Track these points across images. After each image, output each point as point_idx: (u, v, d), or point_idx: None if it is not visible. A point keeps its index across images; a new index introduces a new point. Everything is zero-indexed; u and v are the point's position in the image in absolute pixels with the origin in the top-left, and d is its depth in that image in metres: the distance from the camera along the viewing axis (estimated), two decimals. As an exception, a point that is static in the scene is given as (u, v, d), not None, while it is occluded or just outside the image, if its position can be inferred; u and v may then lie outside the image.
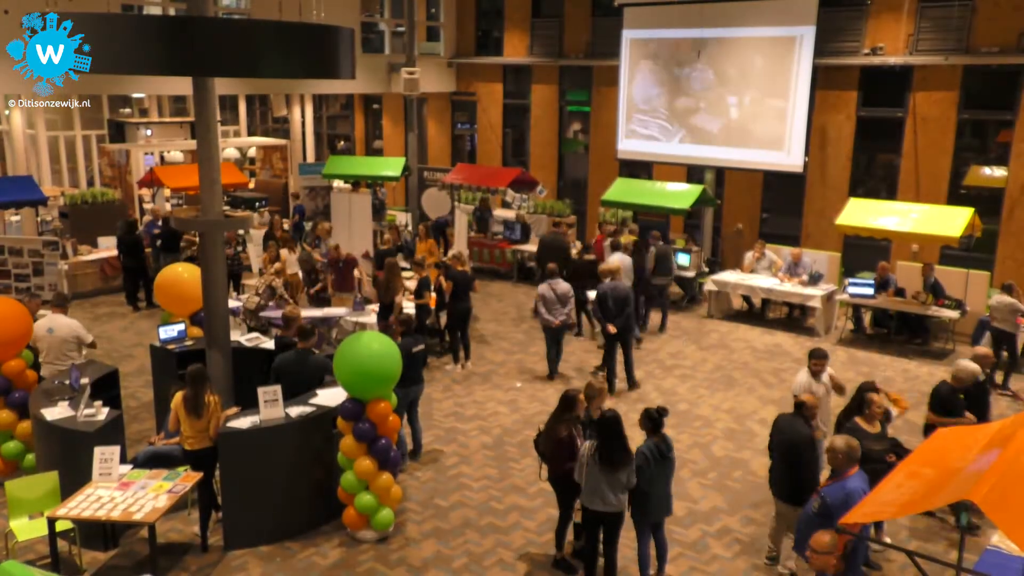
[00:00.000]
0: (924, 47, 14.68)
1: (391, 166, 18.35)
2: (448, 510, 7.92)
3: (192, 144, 16.56)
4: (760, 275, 14.09)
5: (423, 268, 11.96)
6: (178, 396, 7.17)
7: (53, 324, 8.86)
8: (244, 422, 7.21)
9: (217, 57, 6.67)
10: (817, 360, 7.69)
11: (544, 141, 20.52)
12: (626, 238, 13.76)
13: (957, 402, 7.59)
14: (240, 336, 9.57)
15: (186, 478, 6.97)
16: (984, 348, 8.15)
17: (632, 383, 10.93)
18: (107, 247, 15.01)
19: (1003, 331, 11.01)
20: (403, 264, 13.35)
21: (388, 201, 19.81)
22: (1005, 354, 11.11)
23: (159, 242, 14.28)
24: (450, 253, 12.87)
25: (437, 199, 17.71)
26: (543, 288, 11.08)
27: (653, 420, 6.58)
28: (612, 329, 10.60)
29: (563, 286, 11.06)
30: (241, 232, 15.16)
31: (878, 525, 7.22)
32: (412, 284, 11.77)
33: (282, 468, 7.30)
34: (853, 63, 15.43)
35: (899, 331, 13.05)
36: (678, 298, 15.06)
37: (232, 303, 10.74)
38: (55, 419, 7.26)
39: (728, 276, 14.23)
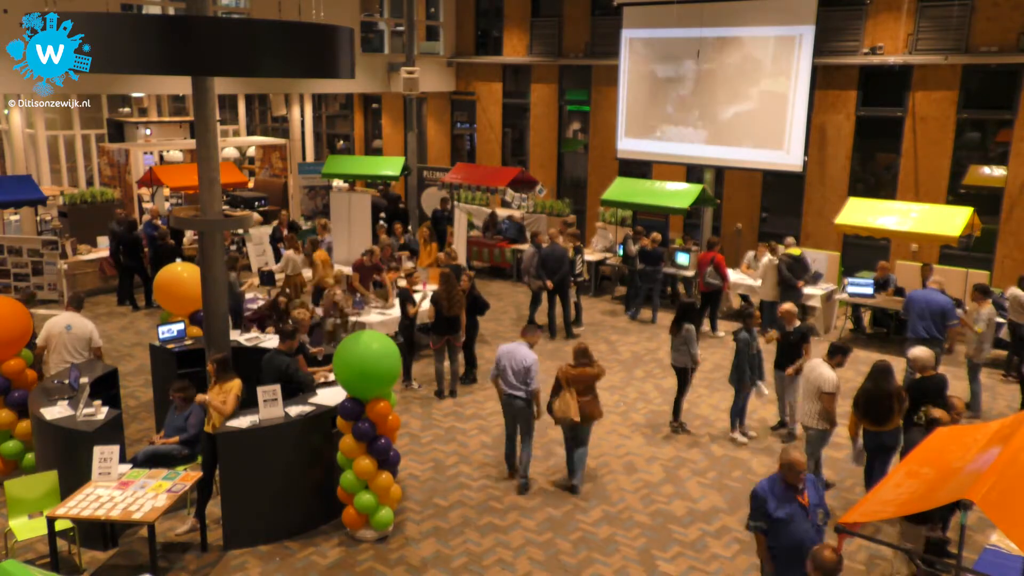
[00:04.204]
0: (923, 46, 14.69)
1: (390, 165, 18.35)
2: (447, 509, 7.92)
3: (191, 143, 16.54)
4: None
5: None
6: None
7: (72, 322, 8.87)
8: (243, 421, 7.21)
9: (216, 56, 6.66)
10: (842, 357, 8.10)
11: (543, 140, 20.52)
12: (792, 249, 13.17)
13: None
14: (239, 335, 9.58)
15: (185, 477, 6.97)
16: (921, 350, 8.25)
17: (569, 333, 12.97)
18: (106, 247, 15.00)
19: (1016, 323, 11.30)
20: (407, 264, 13.39)
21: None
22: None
23: (160, 242, 14.26)
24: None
25: (436, 198, 17.75)
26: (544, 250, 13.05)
27: (740, 314, 9.62)
28: (550, 285, 12.69)
29: (559, 250, 12.98)
30: (240, 231, 15.14)
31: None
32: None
33: (281, 467, 7.30)
34: (852, 62, 15.44)
35: (899, 330, 13.05)
36: (680, 297, 15.10)
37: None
38: (54, 418, 7.25)
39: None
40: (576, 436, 8.20)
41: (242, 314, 10.54)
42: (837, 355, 8.09)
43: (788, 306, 9.37)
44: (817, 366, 8.07)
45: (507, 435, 8.56)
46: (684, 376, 9.60)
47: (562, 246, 13.09)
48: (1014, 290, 11.35)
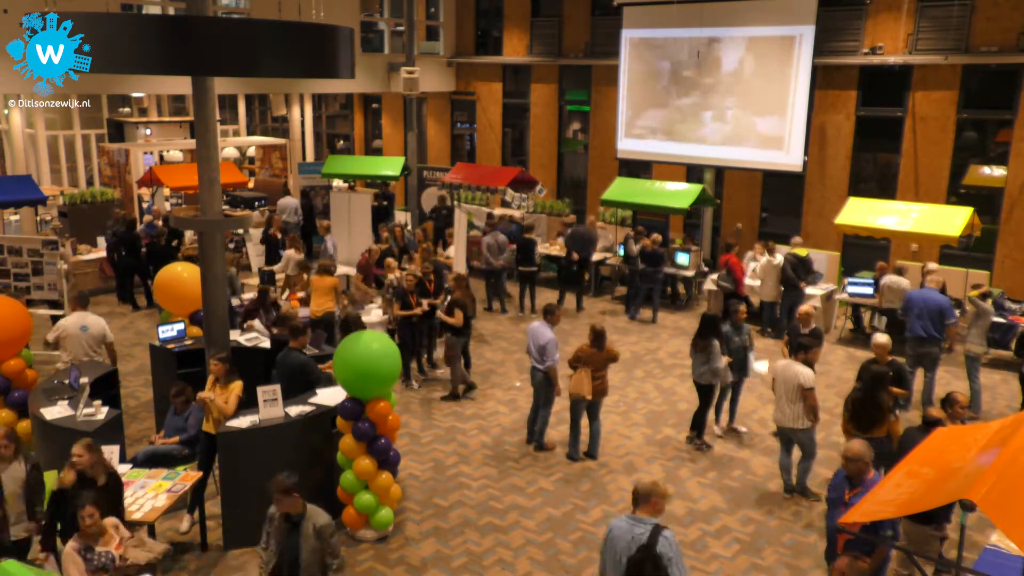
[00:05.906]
0: (923, 46, 14.69)
1: (390, 165, 18.35)
2: (447, 509, 7.92)
3: (191, 143, 16.54)
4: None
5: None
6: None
7: (86, 322, 8.92)
8: (243, 421, 7.21)
9: (216, 56, 6.66)
10: (814, 351, 8.22)
11: (543, 140, 20.53)
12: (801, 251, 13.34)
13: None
14: (239, 335, 9.58)
15: (185, 477, 6.97)
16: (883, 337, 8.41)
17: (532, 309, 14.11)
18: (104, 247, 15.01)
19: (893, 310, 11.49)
20: (405, 264, 13.37)
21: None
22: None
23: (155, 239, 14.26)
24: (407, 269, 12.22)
25: (436, 198, 17.75)
26: (488, 238, 14.11)
27: (724, 309, 9.76)
28: (576, 257, 14.27)
29: (501, 237, 14.10)
30: (240, 231, 15.13)
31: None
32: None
33: (281, 467, 7.24)
34: (852, 62, 15.44)
35: (899, 330, 13.04)
36: (679, 298, 15.11)
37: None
38: (54, 418, 7.26)
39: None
40: (589, 411, 8.86)
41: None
42: (800, 352, 8.11)
43: (807, 308, 9.51)
44: (790, 365, 8.00)
45: (532, 404, 9.28)
46: (709, 393, 9.18)
47: (589, 229, 14.84)
48: (891, 277, 11.72)
